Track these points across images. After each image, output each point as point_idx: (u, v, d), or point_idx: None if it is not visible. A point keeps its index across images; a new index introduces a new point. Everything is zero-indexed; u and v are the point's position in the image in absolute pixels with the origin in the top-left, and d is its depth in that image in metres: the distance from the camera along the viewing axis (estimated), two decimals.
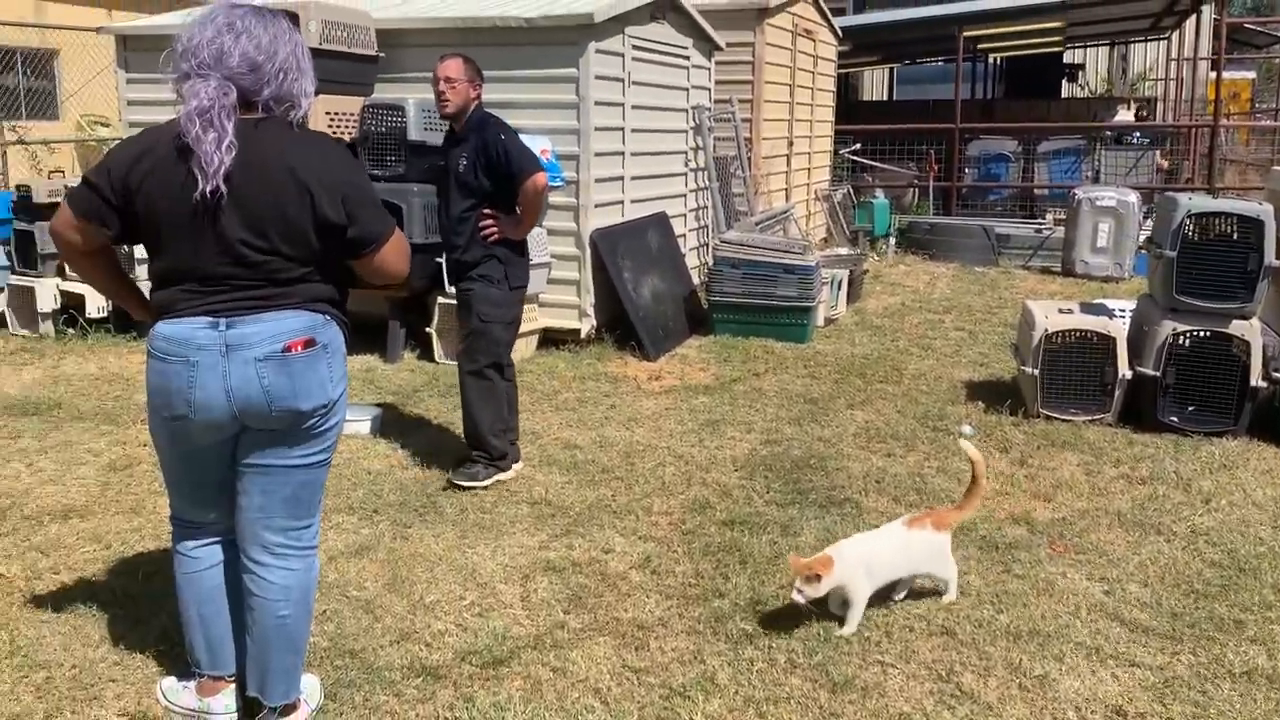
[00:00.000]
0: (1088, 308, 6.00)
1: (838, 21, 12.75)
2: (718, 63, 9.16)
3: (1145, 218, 10.68)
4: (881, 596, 3.48)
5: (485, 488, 4.57)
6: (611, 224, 7.25)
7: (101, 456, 5.00)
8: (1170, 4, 15.17)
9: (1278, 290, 5.63)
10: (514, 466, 4.75)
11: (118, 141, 7.23)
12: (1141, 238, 10.19)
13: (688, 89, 8.53)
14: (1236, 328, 5.29)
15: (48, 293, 7.48)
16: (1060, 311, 5.75)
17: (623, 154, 7.42)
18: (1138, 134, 14.80)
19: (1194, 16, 17.07)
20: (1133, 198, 10.55)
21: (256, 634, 2.76)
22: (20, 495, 4.50)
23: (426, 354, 6.91)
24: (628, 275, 7.13)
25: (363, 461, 4.93)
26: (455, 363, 5.49)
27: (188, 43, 2.52)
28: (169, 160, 2.49)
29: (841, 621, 3.37)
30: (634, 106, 7.49)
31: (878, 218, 12.26)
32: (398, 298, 6.76)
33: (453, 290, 4.88)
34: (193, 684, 2.93)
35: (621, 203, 7.48)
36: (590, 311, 7.11)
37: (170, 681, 2.99)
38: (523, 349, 6.47)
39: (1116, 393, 5.50)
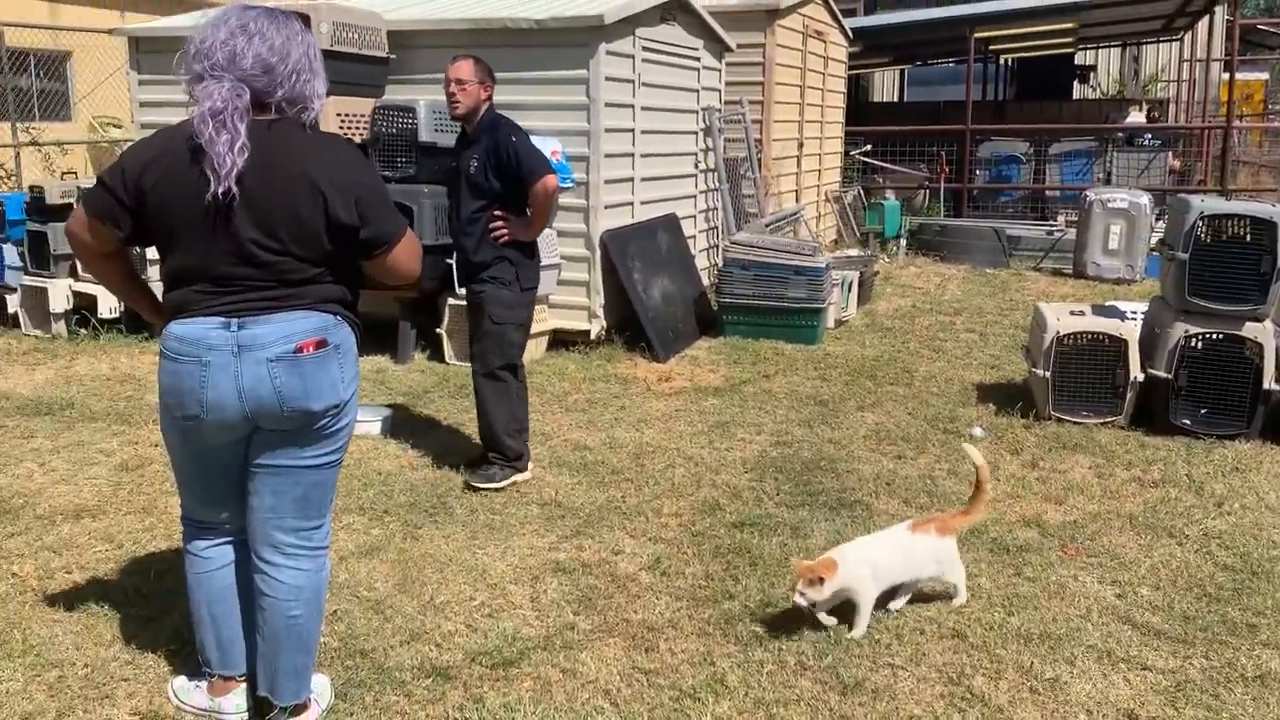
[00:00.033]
0: (1099, 310, 5.97)
1: (848, 23, 12.74)
2: (728, 64, 9.16)
3: (1157, 219, 10.64)
4: (881, 601, 3.46)
5: (502, 489, 4.58)
6: (621, 225, 7.25)
7: (113, 456, 5.02)
8: (1183, 5, 15.12)
9: None
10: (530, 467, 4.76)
11: (130, 143, 7.26)
12: (1153, 240, 10.15)
13: (698, 90, 8.53)
14: (1249, 330, 5.27)
15: (60, 293, 7.51)
16: (1072, 313, 5.73)
17: (633, 155, 7.42)
18: (1149, 135, 14.74)
19: (1206, 17, 17.00)
20: (1144, 199, 10.50)
21: (267, 634, 2.77)
22: (33, 495, 4.52)
23: (437, 355, 6.92)
24: (637, 277, 7.13)
25: (373, 462, 4.94)
26: (466, 364, 5.50)
27: (201, 44, 2.53)
28: (182, 161, 2.50)
29: (851, 624, 3.36)
30: (644, 108, 7.49)
31: (888, 219, 12.23)
32: (408, 299, 6.78)
33: (463, 291, 4.89)
34: (204, 683, 2.94)
35: (631, 204, 7.48)
36: (600, 313, 7.11)
37: (182, 681, 3.01)
38: (533, 350, 6.47)
39: (1128, 395, 5.48)
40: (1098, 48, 21.67)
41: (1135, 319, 5.92)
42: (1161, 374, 5.37)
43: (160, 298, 2.73)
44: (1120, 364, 5.49)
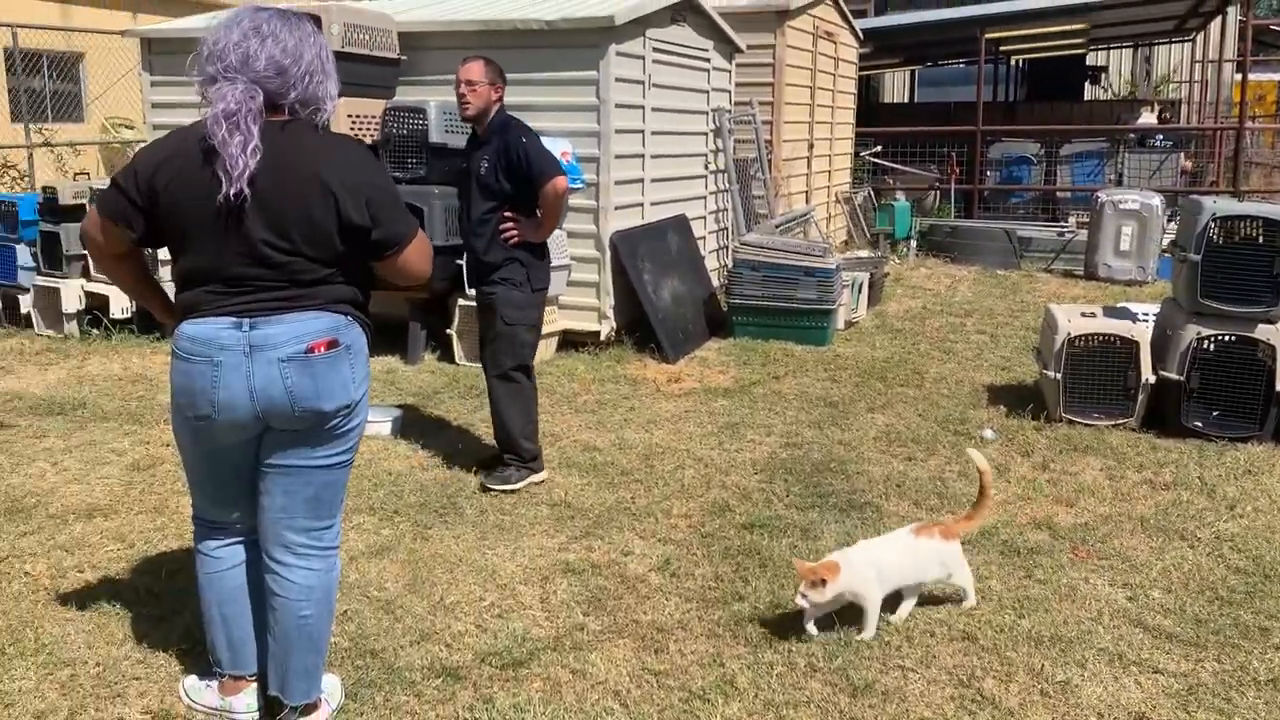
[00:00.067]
0: (1111, 311, 5.95)
1: (859, 23, 12.73)
2: (738, 65, 9.15)
3: (1169, 221, 10.60)
4: (888, 606, 3.44)
5: (518, 490, 4.58)
6: (631, 226, 7.25)
7: (125, 456, 5.04)
8: (1195, 6, 15.06)
9: None
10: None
11: (142, 144, 7.28)
12: (1165, 241, 10.12)
13: (708, 91, 8.53)
14: (1262, 332, 5.24)
15: (72, 293, 7.55)
16: (1083, 315, 5.71)
17: (643, 156, 7.42)
18: (1160, 136, 14.69)
19: (1219, 18, 16.93)
20: (1156, 201, 10.46)
21: (278, 633, 2.78)
22: (45, 494, 4.54)
23: (447, 355, 6.94)
24: (647, 278, 7.13)
25: (383, 462, 4.95)
26: (476, 364, 5.51)
27: (214, 46, 2.54)
28: (194, 162, 2.51)
29: (859, 628, 3.36)
30: (654, 109, 7.50)
31: (899, 220, 12.21)
32: (419, 299, 6.79)
33: (473, 292, 4.90)
34: (215, 683, 2.95)
35: (641, 205, 7.48)
36: (610, 314, 7.12)
37: (193, 680, 3.02)
38: (542, 351, 6.48)
39: (1140, 397, 5.46)
40: (1109, 48, 21.59)
41: (1147, 321, 5.90)
42: (1173, 376, 5.35)
43: (172, 298, 2.74)
44: (1132, 366, 5.47)
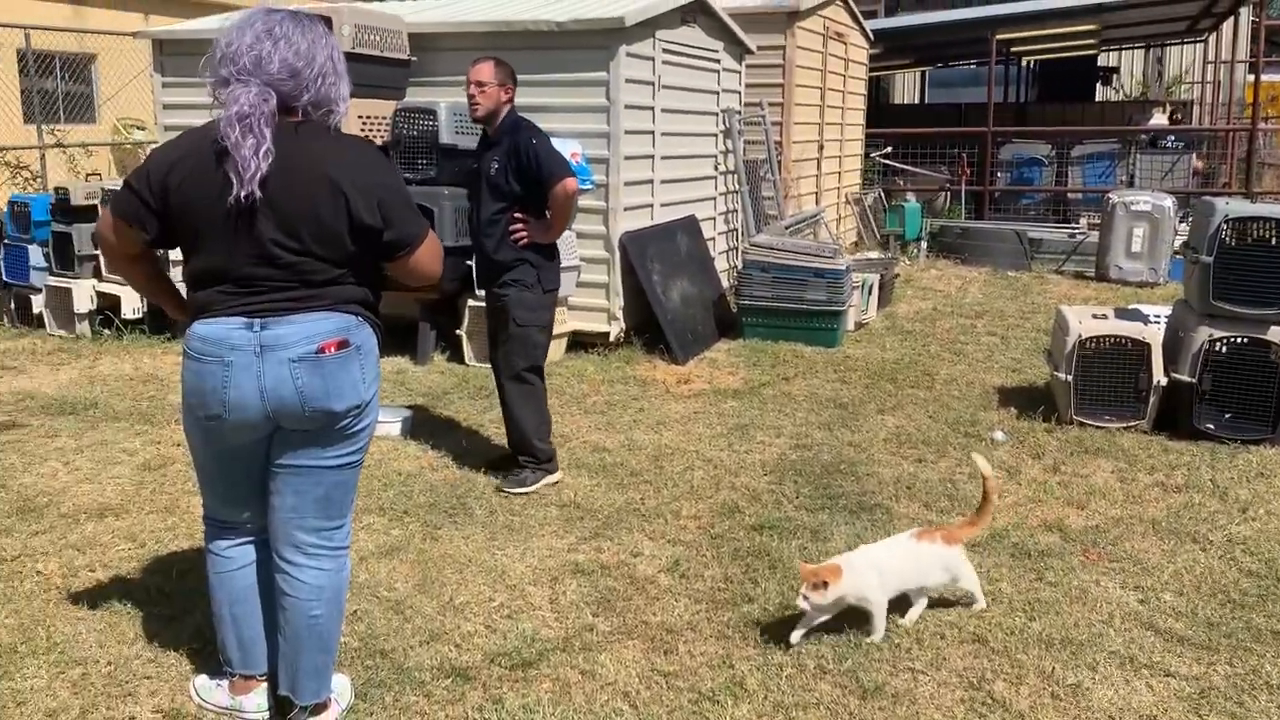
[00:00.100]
0: (1122, 313, 5.94)
1: (869, 24, 12.71)
2: (748, 66, 9.15)
3: (1181, 222, 10.56)
4: (896, 609, 3.43)
5: (534, 492, 4.58)
6: (641, 227, 7.25)
7: (136, 456, 5.06)
8: (1207, 6, 15.00)
9: None
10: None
11: (156, 145, 7.30)
12: (1177, 243, 10.07)
13: (718, 92, 8.52)
14: (1274, 334, 5.21)
15: (84, 294, 7.58)
16: (1094, 317, 5.69)
17: (652, 157, 7.42)
18: (1172, 138, 14.63)
19: (1231, 19, 16.86)
20: (1168, 202, 10.42)
21: (288, 633, 2.78)
22: (57, 493, 4.56)
23: (456, 356, 6.94)
24: (657, 279, 7.13)
25: (393, 463, 4.96)
26: (485, 365, 5.51)
27: (227, 48, 2.55)
28: (207, 163, 2.52)
29: (867, 631, 3.35)
30: (664, 110, 7.50)
31: (909, 221, 12.19)
32: (429, 300, 6.80)
33: (482, 293, 4.90)
34: (225, 682, 2.96)
35: (651, 206, 7.48)
36: (619, 315, 7.12)
37: (203, 679, 3.03)
38: (552, 352, 6.46)
39: (1151, 399, 5.44)
40: (1121, 49, 21.52)
41: (1158, 323, 5.88)
42: (1185, 378, 5.33)
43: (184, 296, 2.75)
44: (1143, 368, 5.45)
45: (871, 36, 12.68)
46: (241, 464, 2.75)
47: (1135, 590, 3.72)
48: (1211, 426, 5.32)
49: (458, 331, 6.91)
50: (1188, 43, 20.29)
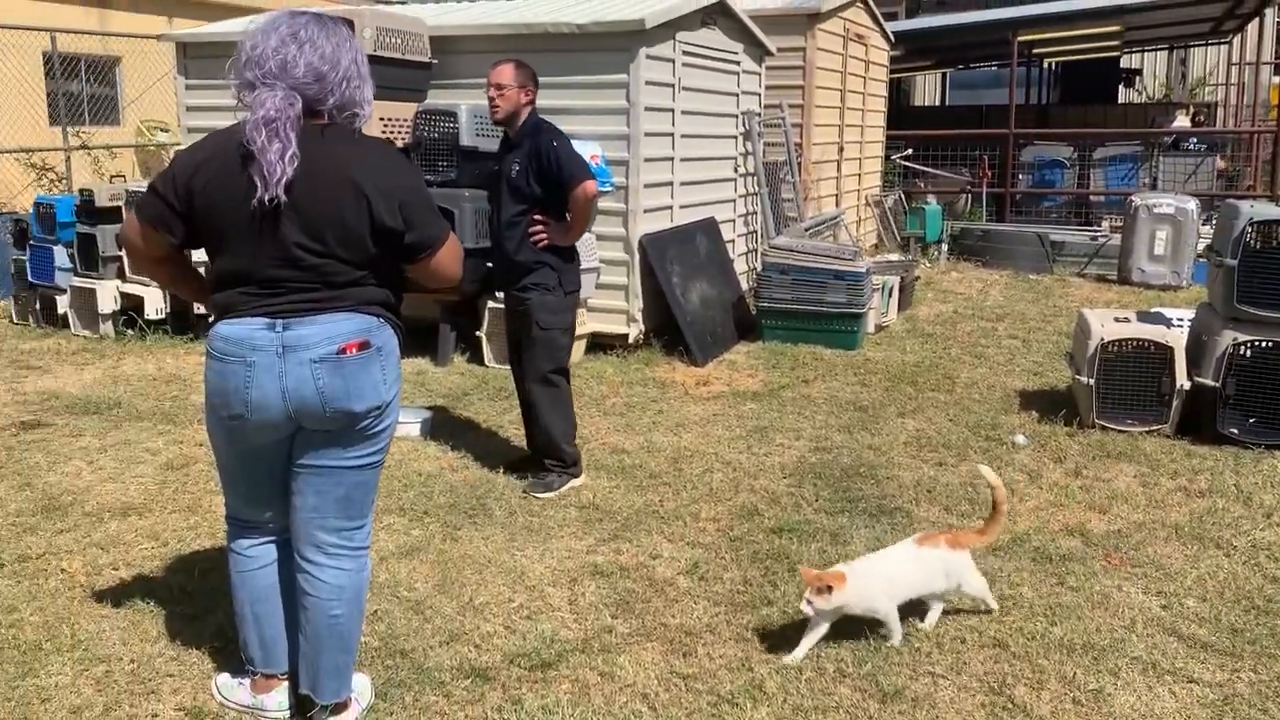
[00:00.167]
0: (1145, 316, 5.90)
1: (890, 26, 12.68)
2: (768, 68, 9.14)
3: (1204, 225, 10.47)
4: (910, 612, 3.41)
5: (560, 496, 4.59)
6: (660, 229, 7.26)
7: (159, 455, 5.09)
8: (1232, 7, 14.88)
9: None
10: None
11: (180, 147, 7.35)
12: (1200, 245, 9.99)
13: (738, 94, 8.52)
14: None
15: (108, 294, 7.64)
16: (1117, 320, 5.65)
17: (672, 159, 7.42)
18: (1194, 140, 14.52)
19: (1256, 20, 16.72)
20: (1191, 205, 10.34)
21: (309, 633, 2.80)
22: (81, 492, 4.60)
23: (476, 357, 6.96)
24: (676, 281, 7.13)
25: (413, 463, 4.98)
26: (505, 366, 5.52)
27: (252, 51, 2.56)
28: (232, 165, 2.54)
29: (885, 636, 3.33)
30: (684, 112, 7.50)
31: (929, 224, 12.14)
32: (449, 301, 6.82)
33: (501, 295, 4.91)
34: (247, 681, 2.98)
35: (670, 208, 7.49)
36: (638, 316, 7.12)
37: (225, 678, 3.05)
38: (571, 354, 6.49)
39: (1174, 403, 5.39)
40: (1144, 51, 21.37)
41: (1181, 326, 5.83)
42: (1209, 382, 5.29)
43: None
44: (1166, 371, 5.41)
45: (892, 38, 12.64)
46: (264, 464, 2.76)
47: (1158, 596, 3.69)
48: (1235, 431, 5.28)
49: (477, 333, 6.93)
50: (1212, 44, 20.14)
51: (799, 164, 9.71)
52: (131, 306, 7.64)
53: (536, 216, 4.54)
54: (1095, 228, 12.54)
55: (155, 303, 7.54)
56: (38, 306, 8.04)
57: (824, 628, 3.28)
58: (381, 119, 6.87)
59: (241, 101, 2.57)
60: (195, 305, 7.39)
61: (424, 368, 6.83)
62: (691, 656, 3.26)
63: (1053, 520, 4.37)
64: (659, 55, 7.06)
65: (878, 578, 3.33)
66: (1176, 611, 3.57)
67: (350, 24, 6.12)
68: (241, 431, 2.68)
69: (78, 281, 7.78)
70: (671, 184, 7.45)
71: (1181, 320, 5.99)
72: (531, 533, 4.20)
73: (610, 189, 6.82)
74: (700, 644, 3.33)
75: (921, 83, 24.23)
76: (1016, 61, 14.26)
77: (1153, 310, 6.47)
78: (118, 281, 7.69)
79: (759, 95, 8.99)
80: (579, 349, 6.93)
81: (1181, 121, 17.06)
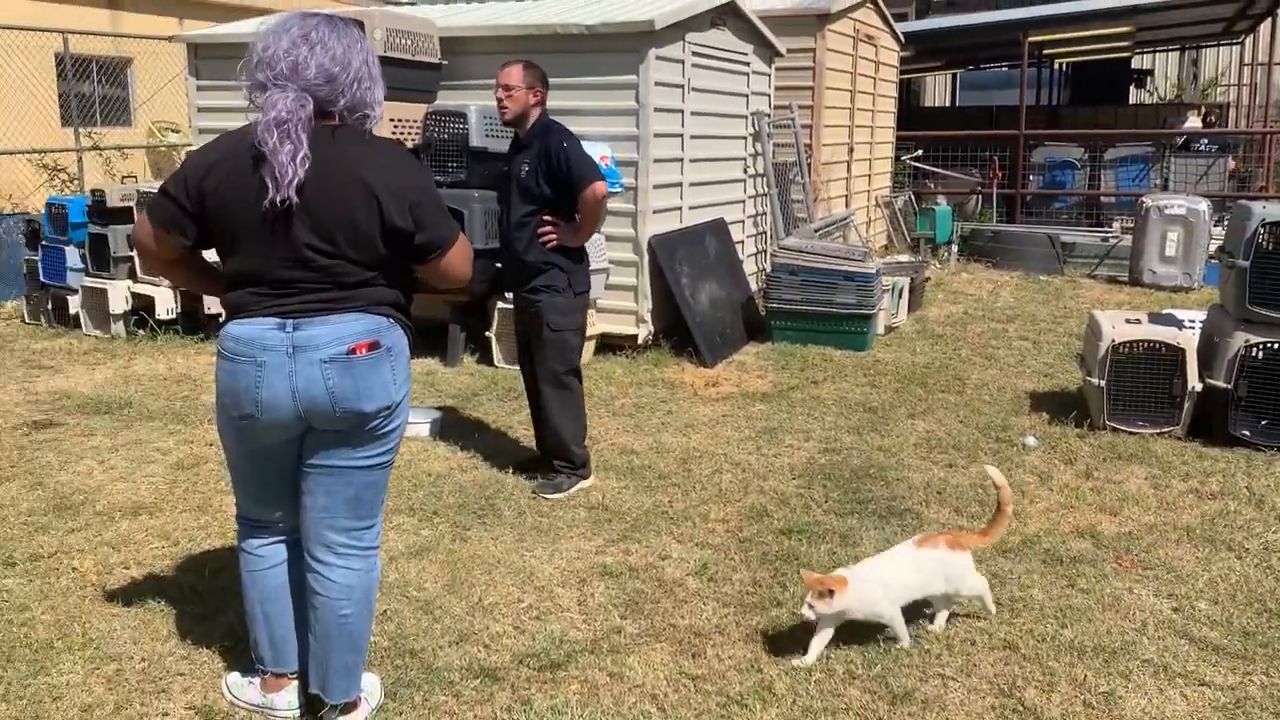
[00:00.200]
0: (1156, 318, 5.87)
1: (900, 27, 12.65)
2: (778, 68, 9.13)
3: (1216, 226, 10.43)
4: (914, 615, 3.40)
5: (569, 497, 4.59)
6: (670, 230, 7.26)
7: (170, 455, 5.11)
8: (1244, 7, 14.82)
9: None
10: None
11: (191, 148, 7.36)
12: (1212, 247, 9.95)
13: (747, 95, 8.51)
14: None
15: (119, 294, 7.67)
16: (1128, 322, 5.63)
17: (681, 160, 7.42)
18: (1205, 140, 14.45)
19: (1269, 20, 16.63)
20: (1203, 206, 10.30)
21: (319, 632, 2.80)
22: (92, 491, 4.62)
23: (485, 358, 6.97)
24: (685, 281, 7.13)
25: (423, 464, 4.99)
26: (514, 367, 5.53)
27: (263, 53, 2.57)
28: (244, 167, 2.55)
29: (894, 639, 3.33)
30: (693, 113, 7.49)
31: (940, 224, 12.12)
32: (458, 302, 6.83)
33: (511, 295, 4.92)
34: (257, 680, 2.98)
35: (680, 209, 7.48)
36: (647, 317, 7.12)
37: (235, 677, 3.06)
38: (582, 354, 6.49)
39: (1186, 405, 5.37)
40: (1155, 51, 21.29)
41: (1193, 327, 5.81)
42: (1220, 384, 5.27)
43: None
44: (1178, 373, 5.39)
45: (902, 39, 12.62)
46: (274, 463, 2.77)
47: (1169, 598, 3.67)
48: (1247, 433, 5.25)
49: (487, 334, 6.94)
50: (1223, 44, 20.05)
51: (808, 165, 9.69)
52: (142, 306, 7.67)
53: (546, 217, 4.54)
54: (1106, 229, 12.50)
55: (166, 303, 7.57)
56: (49, 306, 8.07)
57: (832, 630, 3.27)
58: (391, 120, 6.89)
59: (253, 103, 2.57)
60: (206, 305, 7.42)
61: (433, 368, 6.84)
62: (701, 657, 3.26)
63: (1063, 522, 4.35)
64: (668, 56, 7.06)
65: (878, 581, 3.31)
66: (1188, 614, 3.55)
67: (361, 25, 6.14)
68: (252, 431, 2.69)
69: (89, 282, 7.82)
70: (681, 185, 7.45)
71: (1193, 322, 5.96)
72: (541, 533, 4.21)
73: (620, 190, 6.82)
74: (709, 645, 3.33)
75: (932, 83, 24.18)
76: (1027, 62, 14.23)
77: (1164, 312, 6.45)
78: (129, 282, 7.72)
79: (769, 96, 8.98)
80: (588, 350, 6.93)
81: (1193, 122, 17.00)
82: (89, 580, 3.74)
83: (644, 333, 7.13)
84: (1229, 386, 5.23)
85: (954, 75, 23.01)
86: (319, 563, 2.79)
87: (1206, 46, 21.20)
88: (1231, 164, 14.18)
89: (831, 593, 3.19)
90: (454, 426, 5.55)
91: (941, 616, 3.44)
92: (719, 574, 3.84)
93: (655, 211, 7.07)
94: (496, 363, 6.85)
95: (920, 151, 14.34)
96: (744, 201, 8.64)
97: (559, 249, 4.56)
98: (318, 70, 2.55)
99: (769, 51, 8.81)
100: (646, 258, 7.01)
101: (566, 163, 4.44)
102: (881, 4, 11.45)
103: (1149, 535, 4.22)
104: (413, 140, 7.03)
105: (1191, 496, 4.67)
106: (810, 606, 3.21)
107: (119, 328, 7.71)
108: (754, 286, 8.44)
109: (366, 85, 2.64)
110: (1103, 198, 14.18)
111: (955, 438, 5.46)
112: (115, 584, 3.72)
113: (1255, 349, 5.20)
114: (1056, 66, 20.73)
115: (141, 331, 7.66)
